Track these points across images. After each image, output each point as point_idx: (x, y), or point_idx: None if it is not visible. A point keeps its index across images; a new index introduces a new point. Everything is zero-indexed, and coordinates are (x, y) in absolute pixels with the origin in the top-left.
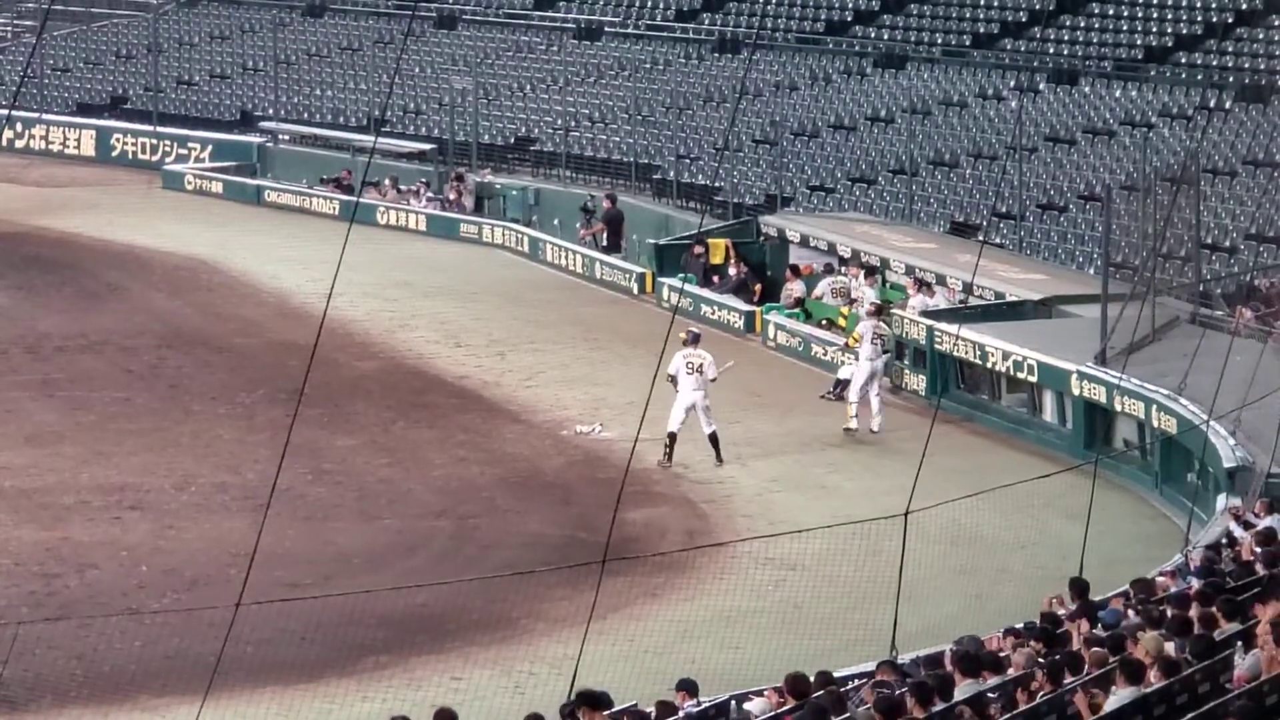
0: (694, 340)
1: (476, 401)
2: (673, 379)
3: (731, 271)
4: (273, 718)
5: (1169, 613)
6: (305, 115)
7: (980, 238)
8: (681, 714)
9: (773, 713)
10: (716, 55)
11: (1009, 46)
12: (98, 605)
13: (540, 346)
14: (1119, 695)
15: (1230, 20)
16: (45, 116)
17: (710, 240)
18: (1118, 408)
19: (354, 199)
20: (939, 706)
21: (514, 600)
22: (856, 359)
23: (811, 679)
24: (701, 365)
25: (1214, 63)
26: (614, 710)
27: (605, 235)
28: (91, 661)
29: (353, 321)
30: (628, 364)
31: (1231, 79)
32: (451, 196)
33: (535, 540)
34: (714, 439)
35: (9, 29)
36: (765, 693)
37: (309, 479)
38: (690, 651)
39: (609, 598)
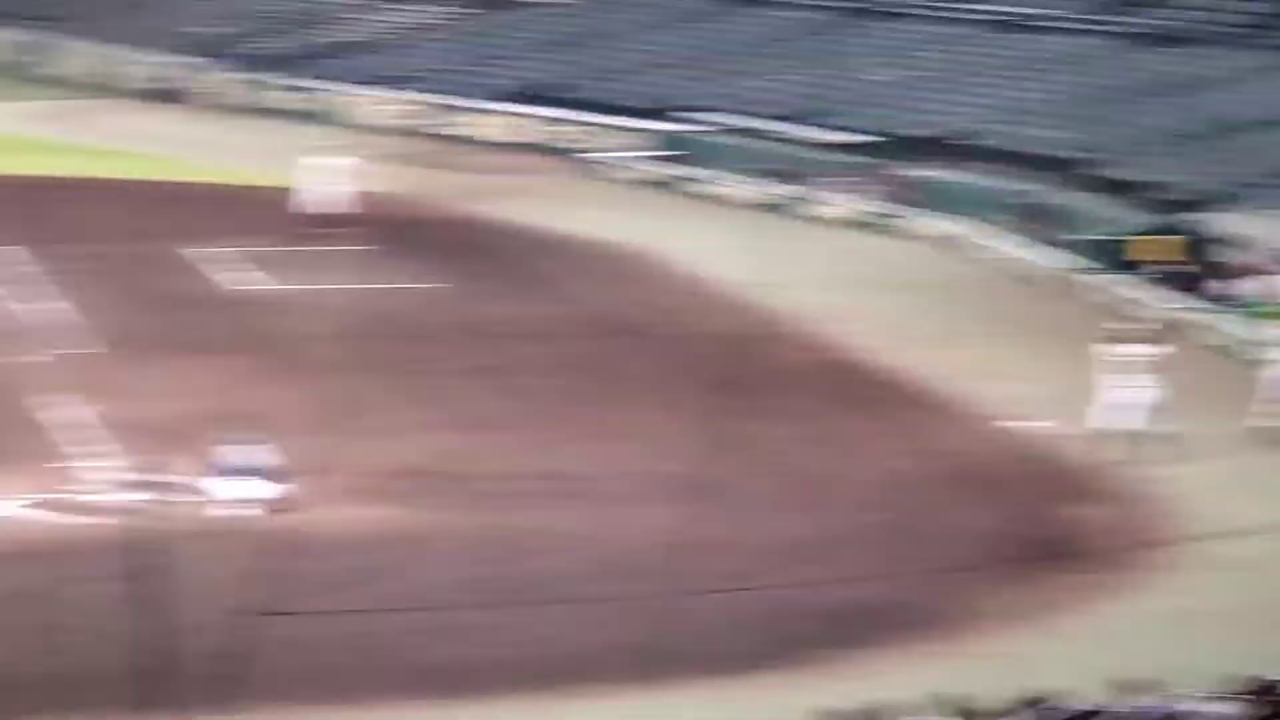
0: (1136, 337)
1: (911, 395)
2: (1116, 368)
3: (1177, 268)
4: (705, 710)
5: None
6: (737, 106)
7: None
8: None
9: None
10: (1154, 49)
11: None
12: (534, 592)
13: (974, 341)
14: None
15: None
16: (475, 104)
17: (1155, 237)
18: None
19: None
20: None
21: (955, 595)
22: None
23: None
24: (1151, 361)
25: None
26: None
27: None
28: (526, 648)
29: (784, 312)
30: (1063, 359)
31: None
32: (887, 191)
33: (973, 535)
34: (1155, 436)
35: (439, 15)
36: (1230, 697)
37: (742, 470)
38: (1143, 649)
39: (1051, 594)
